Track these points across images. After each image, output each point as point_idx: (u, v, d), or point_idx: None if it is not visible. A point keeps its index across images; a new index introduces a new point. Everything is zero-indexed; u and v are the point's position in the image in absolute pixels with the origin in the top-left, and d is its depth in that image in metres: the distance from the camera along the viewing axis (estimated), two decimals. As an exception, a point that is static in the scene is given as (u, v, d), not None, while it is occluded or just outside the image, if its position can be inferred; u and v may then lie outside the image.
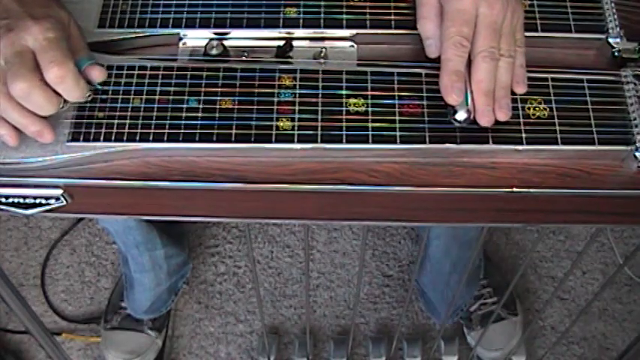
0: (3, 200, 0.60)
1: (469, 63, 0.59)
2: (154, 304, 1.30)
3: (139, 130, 0.59)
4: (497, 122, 0.60)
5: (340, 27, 0.64)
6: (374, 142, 0.59)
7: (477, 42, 0.58)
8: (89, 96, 0.59)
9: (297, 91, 0.61)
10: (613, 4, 0.65)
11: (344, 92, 0.61)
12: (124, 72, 0.61)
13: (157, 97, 0.60)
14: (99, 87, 0.60)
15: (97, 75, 0.60)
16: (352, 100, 0.61)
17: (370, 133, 0.59)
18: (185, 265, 1.35)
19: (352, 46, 0.65)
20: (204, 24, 0.64)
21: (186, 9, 0.64)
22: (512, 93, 0.61)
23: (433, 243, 1.17)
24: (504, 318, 1.31)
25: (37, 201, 0.60)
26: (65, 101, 0.57)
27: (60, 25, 0.57)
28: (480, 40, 0.58)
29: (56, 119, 0.59)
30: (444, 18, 0.59)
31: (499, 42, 0.59)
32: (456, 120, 0.59)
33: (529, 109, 0.61)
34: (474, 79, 0.59)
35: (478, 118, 0.59)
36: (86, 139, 0.59)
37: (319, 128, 0.59)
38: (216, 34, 0.64)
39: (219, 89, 0.61)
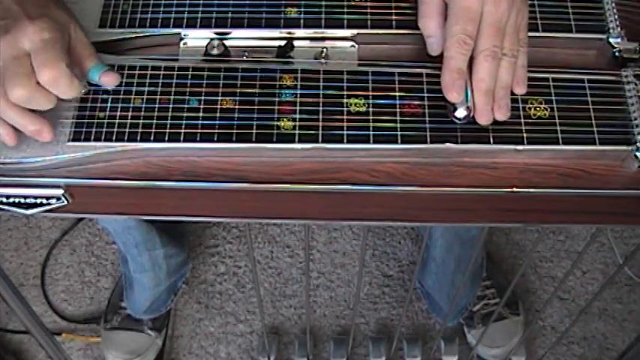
0: (4, 200, 0.60)
1: (471, 60, 0.59)
2: (154, 304, 1.30)
3: (139, 130, 0.59)
4: (498, 122, 0.60)
5: (341, 27, 0.64)
6: (375, 142, 0.59)
7: (481, 40, 0.58)
8: (85, 92, 0.59)
9: (298, 91, 0.61)
10: (614, 4, 0.65)
11: (345, 92, 0.61)
12: (125, 72, 0.61)
13: (157, 97, 0.60)
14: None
15: (112, 81, 0.60)
16: (353, 100, 0.61)
17: (371, 133, 0.59)
18: (185, 264, 1.35)
19: (353, 46, 0.65)
20: (205, 24, 0.64)
21: (187, 9, 0.64)
22: (512, 93, 0.60)
23: (437, 243, 1.17)
24: (506, 317, 1.31)
25: (38, 201, 0.60)
26: None
27: (57, 25, 0.57)
28: (484, 38, 0.58)
29: (57, 119, 0.59)
30: (449, 15, 0.59)
31: (502, 41, 0.58)
32: (455, 117, 0.59)
33: (530, 109, 0.61)
34: (475, 77, 0.59)
35: (477, 117, 0.59)
36: (87, 139, 0.59)
37: (320, 128, 0.59)
38: (217, 34, 0.64)
39: (220, 89, 0.61)
